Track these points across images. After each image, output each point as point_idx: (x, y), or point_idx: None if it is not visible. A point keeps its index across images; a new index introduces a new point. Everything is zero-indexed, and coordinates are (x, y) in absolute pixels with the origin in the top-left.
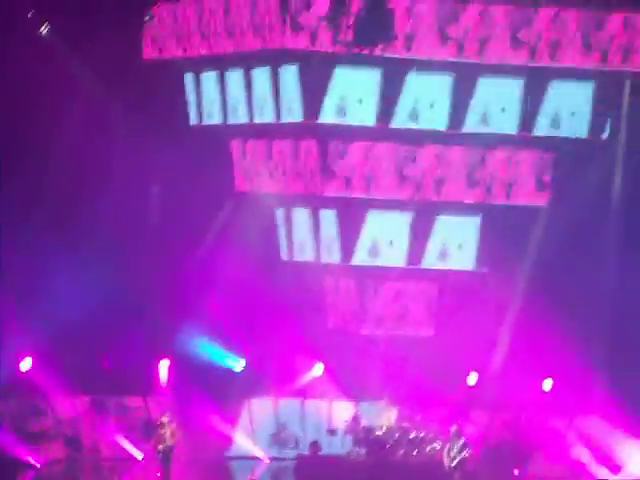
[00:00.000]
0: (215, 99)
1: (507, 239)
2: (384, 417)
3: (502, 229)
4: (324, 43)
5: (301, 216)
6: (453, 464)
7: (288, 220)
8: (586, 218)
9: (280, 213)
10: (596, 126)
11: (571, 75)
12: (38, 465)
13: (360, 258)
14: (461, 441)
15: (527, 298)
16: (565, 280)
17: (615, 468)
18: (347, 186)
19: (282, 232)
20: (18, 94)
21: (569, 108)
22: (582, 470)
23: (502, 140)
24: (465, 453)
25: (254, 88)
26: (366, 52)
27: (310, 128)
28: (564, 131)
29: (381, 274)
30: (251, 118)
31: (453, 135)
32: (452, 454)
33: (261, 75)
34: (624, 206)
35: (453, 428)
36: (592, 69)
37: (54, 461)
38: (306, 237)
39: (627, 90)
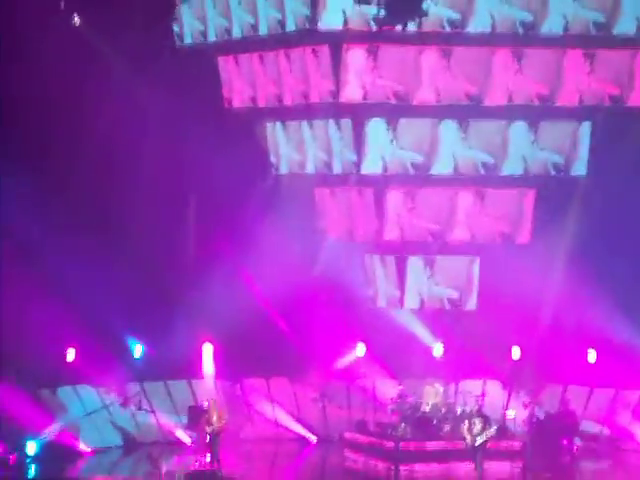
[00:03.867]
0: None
1: (551, 211)
2: (430, 394)
3: (548, 200)
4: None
5: (344, 194)
6: (477, 442)
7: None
8: (627, 188)
9: (319, 192)
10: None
11: None
12: (89, 450)
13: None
14: (483, 418)
15: (570, 269)
16: (608, 251)
17: None
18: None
19: (322, 211)
20: (52, 85)
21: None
22: (628, 439)
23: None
24: (490, 431)
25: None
26: (398, 28)
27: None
28: None
29: (421, 247)
30: (281, 99)
31: None
32: (474, 431)
33: (290, 53)
34: None
35: (474, 405)
36: None
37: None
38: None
39: None
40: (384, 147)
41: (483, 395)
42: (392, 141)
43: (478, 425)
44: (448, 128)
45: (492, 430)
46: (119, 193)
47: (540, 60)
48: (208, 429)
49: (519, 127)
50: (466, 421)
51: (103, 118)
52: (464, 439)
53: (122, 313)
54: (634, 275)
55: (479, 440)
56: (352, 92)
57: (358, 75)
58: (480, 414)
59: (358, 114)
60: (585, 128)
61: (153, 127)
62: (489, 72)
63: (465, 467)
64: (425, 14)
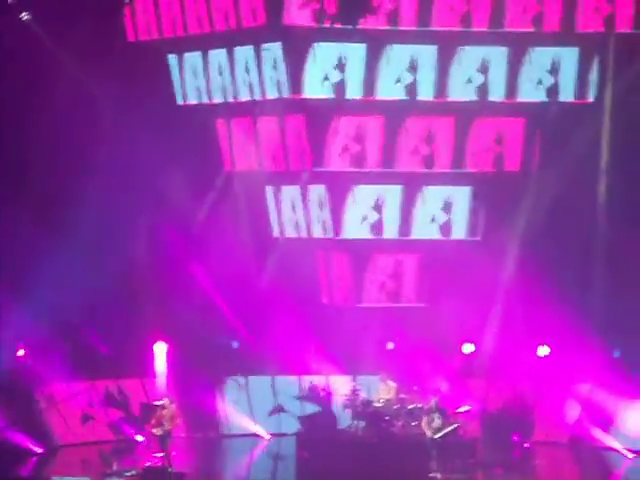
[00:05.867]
0: (199, 79)
1: (498, 208)
2: (382, 390)
3: (492, 198)
4: (307, 18)
5: (290, 193)
6: (437, 436)
7: (277, 197)
8: (575, 184)
9: (269, 190)
10: (582, 90)
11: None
12: (39, 451)
13: (352, 232)
14: (442, 413)
15: (520, 265)
16: (557, 247)
17: (613, 432)
18: (336, 160)
19: (272, 209)
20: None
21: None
22: (581, 435)
23: (489, 108)
24: (451, 425)
25: (238, 66)
26: (349, 26)
27: (296, 103)
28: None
29: (373, 246)
30: (236, 96)
31: (440, 104)
32: (434, 425)
33: (244, 53)
34: (612, 170)
35: (433, 400)
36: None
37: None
38: (297, 214)
39: (612, 52)
40: None
41: (437, 391)
42: None
43: (437, 420)
44: None
45: (453, 426)
46: (72, 190)
47: None
48: (158, 429)
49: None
50: (425, 416)
51: (53, 113)
52: (424, 433)
53: (74, 309)
54: (584, 269)
55: (438, 435)
56: None
57: None
58: (439, 409)
59: None
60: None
61: (105, 124)
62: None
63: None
64: (374, 12)
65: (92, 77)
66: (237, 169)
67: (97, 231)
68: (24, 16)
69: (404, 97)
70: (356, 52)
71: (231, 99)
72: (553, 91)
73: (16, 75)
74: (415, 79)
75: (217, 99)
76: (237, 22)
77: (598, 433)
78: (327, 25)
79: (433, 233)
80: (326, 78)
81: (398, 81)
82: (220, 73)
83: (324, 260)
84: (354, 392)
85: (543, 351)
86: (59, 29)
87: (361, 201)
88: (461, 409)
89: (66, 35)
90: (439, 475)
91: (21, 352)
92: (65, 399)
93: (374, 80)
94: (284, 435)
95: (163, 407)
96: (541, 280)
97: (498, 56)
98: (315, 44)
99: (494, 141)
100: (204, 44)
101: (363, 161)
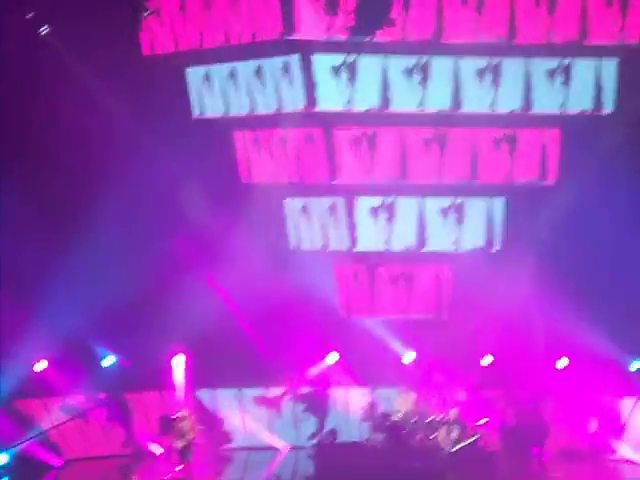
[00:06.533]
0: (215, 91)
1: (516, 220)
2: (401, 402)
3: (510, 210)
4: (323, 30)
5: (308, 205)
6: (454, 448)
7: (294, 209)
8: (595, 195)
9: (287, 203)
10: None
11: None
12: (59, 464)
13: (368, 244)
14: (461, 426)
15: (539, 277)
16: (577, 259)
17: (633, 445)
18: (352, 173)
19: (290, 222)
20: (18, 95)
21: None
22: (600, 448)
23: (506, 118)
24: (470, 438)
25: (254, 79)
26: (366, 38)
27: (313, 116)
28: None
29: (390, 258)
30: (253, 109)
31: (456, 115)
32: (452, 437)
33: (261, 66)
34: (632, 183)
35: (452, 411)
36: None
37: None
38: (314, 226)
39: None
40: None
41: (456, 403)
42: None
43: (455, 432)
44: None
45: (472, 438)
46: (88, 204)
47: None
48: (179, 441)
49: None
50: (444, 428)
51: (68, 129)
52: (441, 447)
53: (91, 322)
54: (606, 282)
55: (456, 447)
56: None
57: None
58: (458, 422)
59: None
60: None
61: (122, 138)
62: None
63: None
64: (392, 24)
65: (108, 89)
66: (254, 181)
67: (113, 244)
68: (43, 30)
69: (418, 108)
70: (371, 63)
71: (247, 112)
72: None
73: (33, 89)
74: (428, 90)
75: (233, 112)
76: (252, 35)
77: (618, 445)
78: (344, 37)
79: (450, 245)
80: (342, 90)
81: (411, 92)
82: (236, 86)
83: (341, 272)
84: (372, 405)
85: (562, 363)
86: (76, 42)
87: (376, 213)
88: (480, 421)
89: (83, 50)
90: None
91: (42, 364)
92: (84, 412)
93: (387, 91)
94: (302, 448)
95: (182, 419)
96: (561, 292)
97: (513, 66)
98: (331, 56)
99: (509, 152)
100: (220, 57)
101: (379, 173)
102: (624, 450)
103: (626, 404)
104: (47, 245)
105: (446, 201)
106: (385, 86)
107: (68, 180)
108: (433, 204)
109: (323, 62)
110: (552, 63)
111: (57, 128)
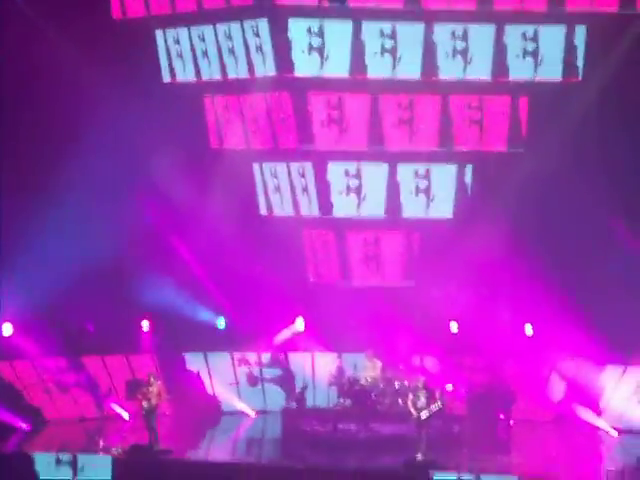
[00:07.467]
0: (186, 56)
1: (484, 187)
2: (368, 368)
3: (479, 177)
4: None
5: (277, 170)
6: (423, 416)
7: (264, 175)
8: (563, 163)
9: (256, 168)
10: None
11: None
12: (25, 427)
13: (338, 210)
14: (428, 393)
15: (505, 244)
16: (543, 225)
17: (598, 409)
18: (322, 138)
19: (259, 187)
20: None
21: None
22: (567, 412)
23: (476, 86)
24: (437, 405)
25: (224, 44)
26: (340, 3)
27: (284, 81)
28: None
29: (359, 224)
30: (223, 74)
31: (426, 82)
32: (419, 405)
33: (231, 30)
34: (600, 149)
35: (420, 380)
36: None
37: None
38: (284, 192)
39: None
40: None
41: (423, 370)
42: None
43: (423, 399)
44: None
45: (438, 404)
46: (58, 168)
47: None
48: (145, 404)
49: None
50: (411, 395)
51: (40, 91)
52: (409, 413)
53: (58, 287)
54: (572, 248)
55: (424, 414)
56: None
57: None
58: (425, 388)
59: None
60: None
61: (92, 101)
62: None
63: None
64: None
65: (79, 53)
66: (224, 146)
67: (81, 209)
68: None
69: (390, 75)
70: (343, 29)
71: (218, 76)
72: (540, 68)
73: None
74: (400, 57)
75: (204, 76)
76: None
77: (583, 411)
78: (316, 2)
79: (419, 212)
80: (312, 55)
81: (383, 58)
82: (207, 50)
83: (310, 238)
84: (339, 370)
85: (528, 330)
86: (45, 5)
87: (347, 179)
88: (447, 388)
89: (54, 13)
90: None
91: (7, 328)
92: (51, 375)
93: (360, 57)
94: (269, 412)
95: (149, 383)
96: (526, 259)
97: (484, 33)
98: (302, 21)
99: (479, 120)
100: (191, 21)
101: (349, 139)
102: (588, 415)
103: (591, 370)
104: (12, 208)
105: (416, 168)
106: (357, 52)
107: (35, 145)
108: (403, 170)
109: (295, 26)
110: (522, 30)
111: (25, 90)
